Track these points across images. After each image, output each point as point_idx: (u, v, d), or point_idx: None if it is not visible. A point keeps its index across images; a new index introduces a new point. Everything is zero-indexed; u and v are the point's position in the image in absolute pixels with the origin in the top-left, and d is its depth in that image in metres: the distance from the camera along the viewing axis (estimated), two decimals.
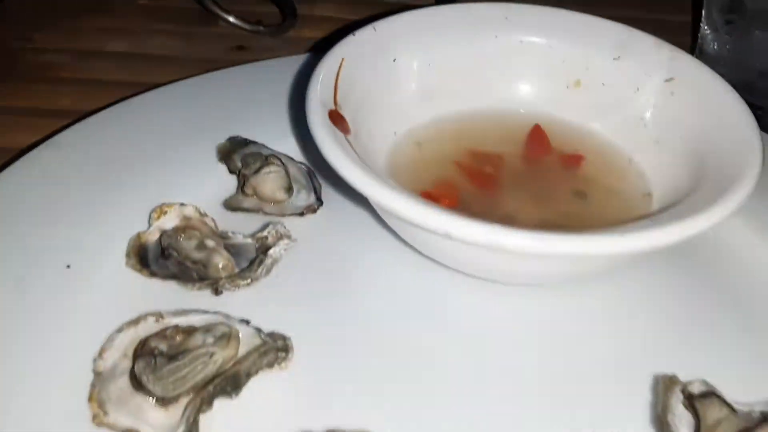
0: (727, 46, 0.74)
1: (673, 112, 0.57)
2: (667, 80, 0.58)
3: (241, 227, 0.56)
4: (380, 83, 0.60)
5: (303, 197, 0.60)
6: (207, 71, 0.72)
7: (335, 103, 0.53)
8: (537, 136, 0.62)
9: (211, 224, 0.54)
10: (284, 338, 0.48)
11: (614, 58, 0.61)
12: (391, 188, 0.44)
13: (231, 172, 0.61)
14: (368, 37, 0.60)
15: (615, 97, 0.61)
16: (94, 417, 0.44)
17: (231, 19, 0.89)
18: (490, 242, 0.42)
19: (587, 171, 0.59)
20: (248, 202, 0.59)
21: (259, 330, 0.48)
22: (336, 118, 0.52)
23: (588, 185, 0.58)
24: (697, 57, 0.73)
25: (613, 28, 0.62)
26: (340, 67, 0.56)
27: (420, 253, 0.54)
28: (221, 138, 0.63)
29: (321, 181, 0.62)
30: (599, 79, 0.62)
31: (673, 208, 0.47)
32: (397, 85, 0.61)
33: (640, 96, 0.60)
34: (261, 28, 0.89)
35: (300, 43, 0.88)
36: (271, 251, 0.52)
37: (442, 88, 0.63)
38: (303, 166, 0.63)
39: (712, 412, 0.44)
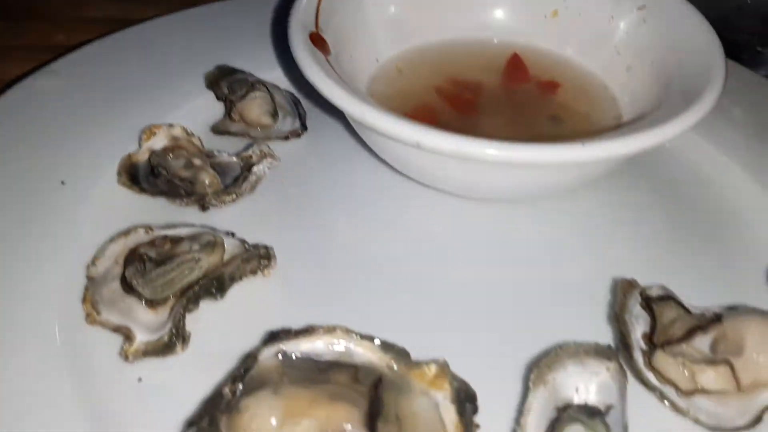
0: None
1: (645, 39, 0.59)
2: (639, 8, 0.59)
3: (228, 149, 0.59)
4: (362, 9, 0.61)
5: (288, 123, 0.62)
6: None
7: (317, 26, 0.55)
8: (515, 65, 0.64)
9: (198, 144, 0.56)
10: (266, 247, 0.50)
11: None
12: (365, 101, 0.46)
13: (219, 98, 0.64)
14: None
15: (590, 26, 0.63)
16: (87, 316, 0.46)
17: None
18: (455, 150, 0.44)
19: (563, 97, 0.61)
20: (235, 127, 0.61)
21: (243, 241, 0.51)
22: (317, 40, 0.54)
23: (563, 110, 0.60)
24: None
25: None
26: None
27: (397, 172, 0.56)
28: (210, 67, 0.65)
29: (306, 108, 0.64)
30: (576, 9, 0.64)
31: (635, 123, 0.49)
32: (379, 11, 0.63)
33: (614, 25, 0.62)
34: None
35: None
36: (255, 168, 0.54)
37: (424, 16, 0.65)
38: (289, 94, 0.65)
39: (669, 313, 0.46)
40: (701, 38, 0.55)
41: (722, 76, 0.50)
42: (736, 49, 0.75)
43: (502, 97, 0.62)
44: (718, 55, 0.53)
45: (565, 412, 0.40)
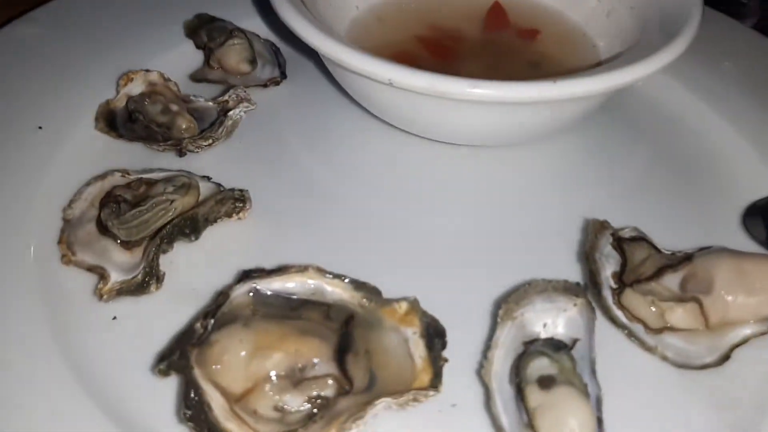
0: None
1: None
2: None
3: (206, 95, 0.58)
4: None
5: (267, 71, 0.62)
6: None
7: None
8: (496, 12, 0.63)
9: (175, 89, 0.56)
10: (241, 191, 0.50)
11: None
12: (338, 40, 0.46)
13: (198, 47, 0.63)
14: None
15: None
16: (63, 257, 0.47)
17: None
18: (426, 87, 0.44)
19: (543, 44, 0.61)
20: (213, 74, 0.61)
21: (218, 184, 0.51)
22: None
23: (542, 57, 0.60)
24: None
25: None
26: None
27: (372, 117, 0.56)
28: (189, 15, 0.65)
29: (287, 57, 0.64)
30: None
31: (608, 63, 0.49)
32: None
33: None
34: None
35: None
36: (231, 113, 0.54)
37: None
38: (269, 43, 0.65)
39: (640, 253, 0.47)
40: None
41: (698, 18, 0.50)
42: (723, 2, 0.74)
43: (481, 44, 0.62)
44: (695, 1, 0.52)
45: (531, 346, 0.41)
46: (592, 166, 0.56)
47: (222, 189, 0.50)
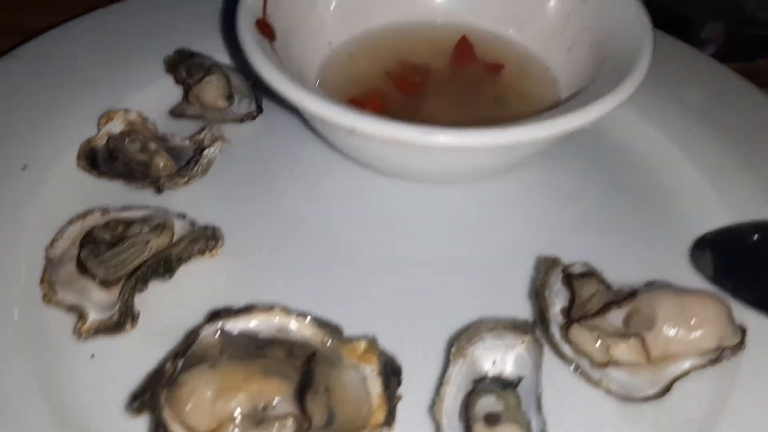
0: None
1: (585, 20, 0.61)
2: None
3: (185, 132, 0.61)
4: None
5: (245, 105, 0.65)
6: None
7: (264, 12, 0.57)
8: (463, 47, 0.66)
9: (153, 128, 0.59)
10: (214, 229, 0.53)
11: None
12: (303, 87, 0.49)
13: (178, 82, 0.66)
14: None
15: (533, 7, 0.65)
16: (45, 296, 0.50)
17: None
18: (387, 136, 0.46)
19: (507, 78, 0.64)
20: (192, 110, 0.63)
21: (192, 222, 0.54)
22: (263, 26, 0.56)
23: (506, 92, 0.63)
24: None
25: None
26: None
27: (339, 154, 0.59)
28: (170, 51, 0.67)
29: (264, 91, 0.66)
30: None
31: (557, 108, 0.52)
32: None
33: (556, 5, 0.63)
34: None
35: None
36: (206, 151, 0.57)
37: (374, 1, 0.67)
38: (246, 77, 0.67)
39: (588, 289, 0.49)
40: (633, 22, 0.57)
41: (647, 64, 0.52)
42: (684, 27, 0.77)
43: (449, 79, 0.64)
44: (647, 42, 0.55)
45: (480, 383, 0.43)
46: (545, 201, 0.59)
47: (196, 227, 0.53)
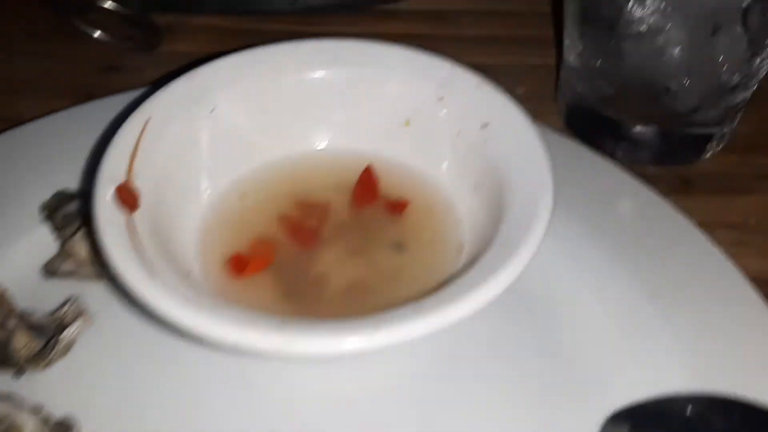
0: (588, 59, 0.72)
1: (489, 159, 0.56)
2: (483, 126, 0.56)
3: (56, 296, 0.56)
4: (197, 136, 0.58)
5: None
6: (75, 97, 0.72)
7: (130, 172, 0.52)
8: (366, 182, 0.60)
9: (12, 302, 0.54)
10: (69, 425, 0.48)
11: (438, 99, 0.59)
12: (173, 299, 0.43)
13: (55, 230, 0.60)
14: (183, 88, 0.58)
15: (439, 140, 0.60)
16: None
17: (97, 34, 0.86)
18: (272, 351, 0.41)
19: (409, 219, 0.59)
20: (66, 266, 0.58)
21: (47, 419, 0.48)
22: (124, 194, 0.50)
23: (408, 236, 0.58)
24: (561, 70, 0.72)
25: (439, 65, 0.60)
26: (143, 129, 0.54)
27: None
28: (47, 194, 0.62)
29: None
30: (425, 120, 0.60)
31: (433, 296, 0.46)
32: (218, 135, 0.59)
33: (461, 140, 0.58)
34: (130, 44, 0.86)
35: (173, 59, 0.85)
36: (65, 332, 0.52)
37: (271, 132, 0.62)
38: None
39: None
40: (534, 163, 0.52)
41: (542, 231, 0.47)
42: (615, 129, 0.72)
43: (347, 222, 0.59)
44: (547, 190, 0.50)
45: None
46: (445, 378, 0.54)
47: (50, 424, 0.48)
